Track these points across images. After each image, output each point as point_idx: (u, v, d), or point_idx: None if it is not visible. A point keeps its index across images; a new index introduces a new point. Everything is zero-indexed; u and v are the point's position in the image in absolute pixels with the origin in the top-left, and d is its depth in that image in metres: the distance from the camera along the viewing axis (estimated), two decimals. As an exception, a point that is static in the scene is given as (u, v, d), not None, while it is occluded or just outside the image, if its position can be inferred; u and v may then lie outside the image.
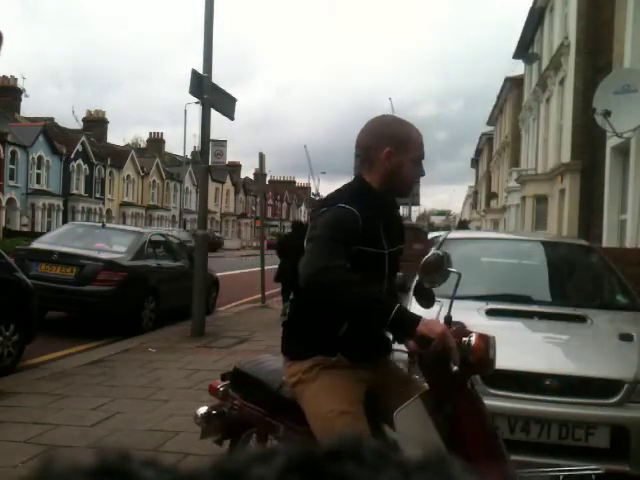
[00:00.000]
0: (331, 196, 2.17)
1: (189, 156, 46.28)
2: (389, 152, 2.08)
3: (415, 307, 4.14)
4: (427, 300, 2.39)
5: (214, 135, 8.69)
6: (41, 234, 13.98)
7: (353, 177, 2.25)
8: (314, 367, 2.08)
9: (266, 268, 12.11)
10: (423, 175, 2.22)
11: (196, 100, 8.28)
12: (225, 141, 9.52)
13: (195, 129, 43.34)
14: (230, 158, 10.85)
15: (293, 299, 2.29)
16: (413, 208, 16.87)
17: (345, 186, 2.23)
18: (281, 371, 2.30)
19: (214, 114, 8.40)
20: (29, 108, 74.62)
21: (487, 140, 42.74)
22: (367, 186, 2.14)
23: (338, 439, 0.34)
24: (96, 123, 44.92)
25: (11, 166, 33.32)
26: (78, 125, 44.80)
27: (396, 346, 3.58)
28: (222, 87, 8.79)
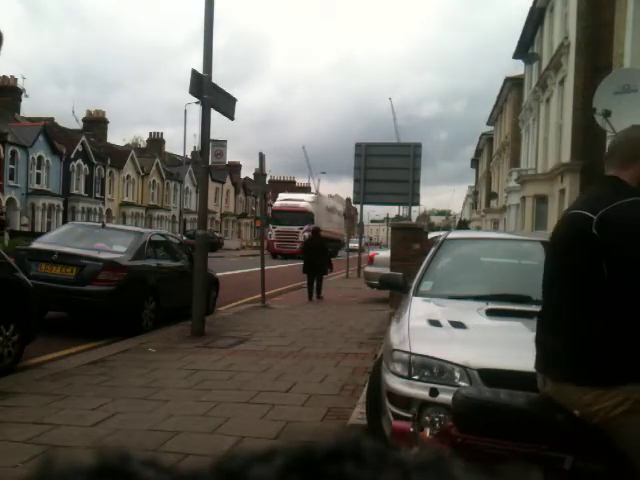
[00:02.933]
0: (611, 195, 2.01)
1: (189, 156, 46.28)
2: None
3: (416, 307, 4.14)
4: None
5: (219, 135, 8.69)
6: (41, 234, 13.97)
7: (603, 177, 2.18)
8: None
9: (266, 268, 12.12)
10: None
11: (196, 100, 8.29)
12: (225, 141, 9.52)
13: (195, 129, 43.31)
14: (235, 158, 10.90)
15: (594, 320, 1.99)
16: (413, 208, 16.87)
17: (605, 184, 2.13)
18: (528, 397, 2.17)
19: (215, 114, 8.41)
20: (29, 108, 74.65)
21: (487, 140, 42.75)
22: (629, 185, 2.07)
23: (338, 439, 0.34)
24: (96, 123, 44.97)
25: (11, 166, 33.33)
26: (78, 125, 44.85)
27: (397, 346, 3.58)
28: (227, 87, 8.80)
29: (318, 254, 13.51)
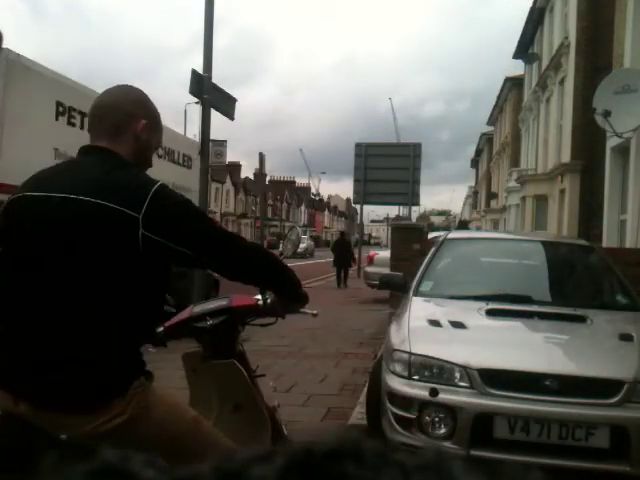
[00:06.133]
0: (130, 174, 1.68)
1: (189, 156, 46.15)
2: (145, 125, 1.79)
3: (416, 307, 4.14)
4: None
5: (220, 135, 8.69)
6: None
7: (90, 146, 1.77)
8: (141, 387, 1.64)
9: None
10: (150, 166, 1.89)
11: (196, 100, 8.29)
12: (225, 141, 9.52)
13: (195, 129, 43.23)
14: (235, 158, 10.93)
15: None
16: (413, 208, 16.87)
17: (96, 160, 1.70)
18: None
19: (215, 114, 8.41)
20: (29, 108, 74.47)
21: (487, 140, 42.74)
22: (127, 161, 1.75)
23: (338, 439, 0.34)
24: (96, 123, 44.94)
25: (11, 166, 33.33)
26: (78, 125, 44.83)
27: (397, 347, 3.59)
28: (229, 87, 8.80)
29: (345, 251, 17.78)
